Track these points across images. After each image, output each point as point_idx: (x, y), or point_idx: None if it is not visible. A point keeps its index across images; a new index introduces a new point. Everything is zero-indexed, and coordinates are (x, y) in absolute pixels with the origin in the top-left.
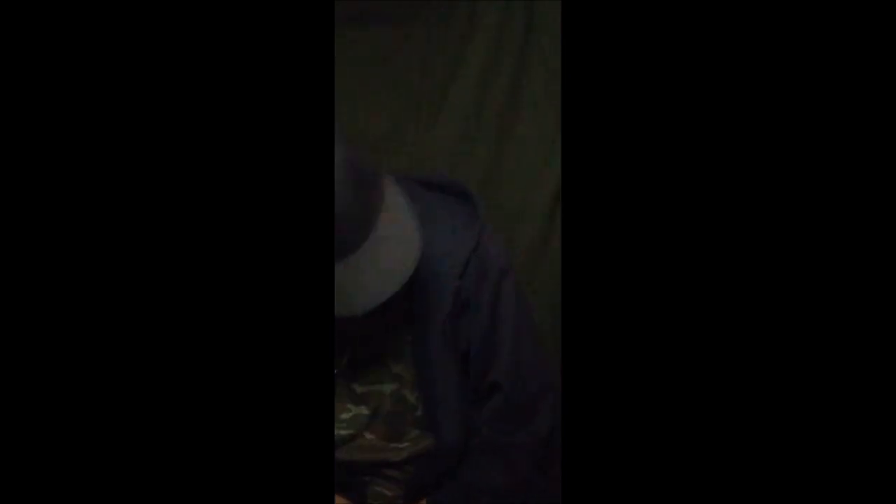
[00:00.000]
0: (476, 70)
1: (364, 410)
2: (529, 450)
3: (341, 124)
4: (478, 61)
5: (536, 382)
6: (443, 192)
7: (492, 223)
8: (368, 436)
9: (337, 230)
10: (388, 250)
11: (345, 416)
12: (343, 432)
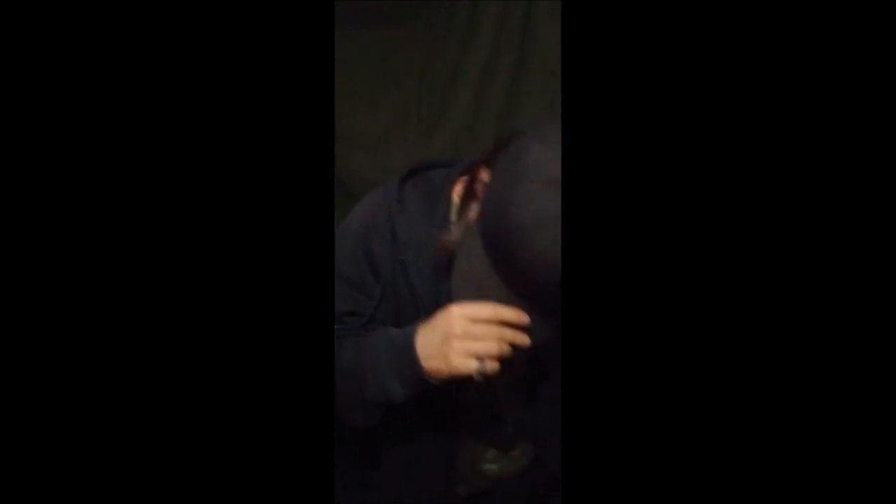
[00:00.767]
0: (476, 70)
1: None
2: None
3: None
4: (478, 61)
5: None
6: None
7: None
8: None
9: None
10: None
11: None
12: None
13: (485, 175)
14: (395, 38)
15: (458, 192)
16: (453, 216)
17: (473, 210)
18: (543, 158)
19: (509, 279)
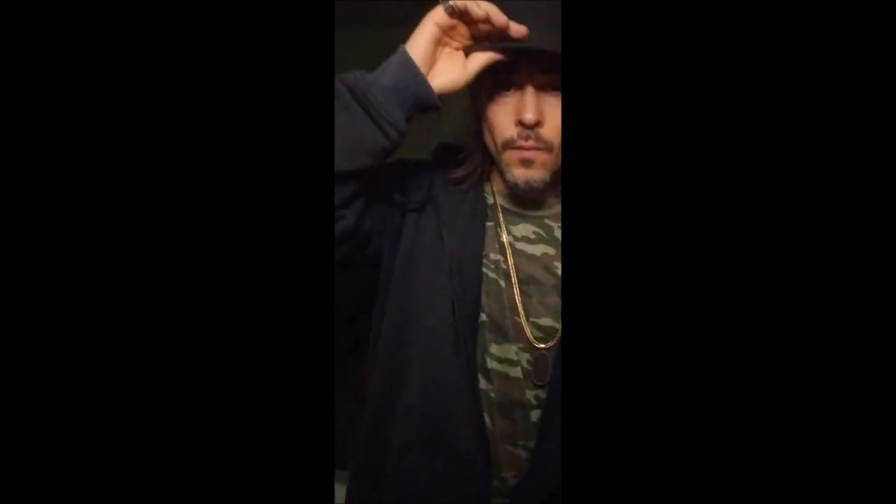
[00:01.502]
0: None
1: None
2: None
3: None
4: None
5: None
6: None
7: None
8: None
9: None
10: None
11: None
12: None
13: None
14: (396, 38)
15: None
16: None
17: None
18: None
19: None
